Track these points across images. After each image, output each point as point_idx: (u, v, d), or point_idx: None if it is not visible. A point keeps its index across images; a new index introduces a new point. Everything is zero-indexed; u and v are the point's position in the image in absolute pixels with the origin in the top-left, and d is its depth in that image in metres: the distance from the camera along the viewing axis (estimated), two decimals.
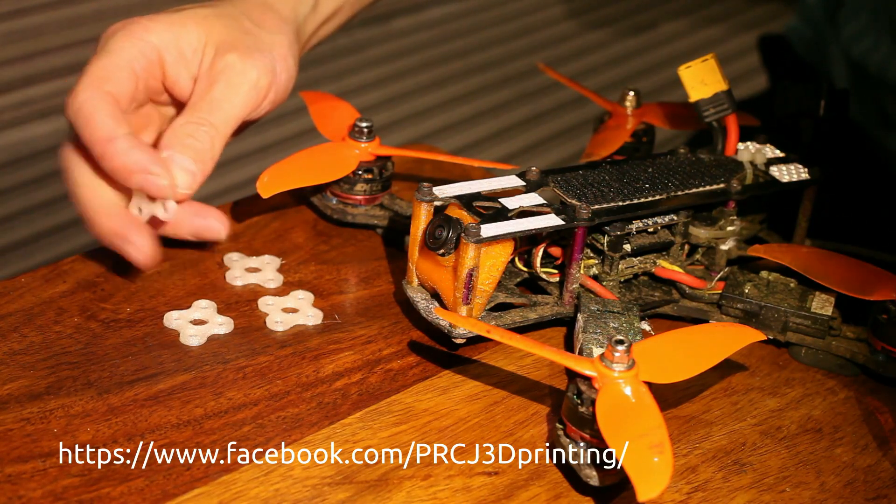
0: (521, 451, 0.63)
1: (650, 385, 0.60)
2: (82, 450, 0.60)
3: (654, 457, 0.56)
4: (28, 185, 1.76)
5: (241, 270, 0.74)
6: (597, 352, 0.65)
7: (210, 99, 0.72)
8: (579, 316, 0.69)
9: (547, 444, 0.64)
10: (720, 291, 0.72)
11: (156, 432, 0.61)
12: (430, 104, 2.16)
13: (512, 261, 0.72)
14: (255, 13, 0.77)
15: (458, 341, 0.68)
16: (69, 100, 0.69)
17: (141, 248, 0.68)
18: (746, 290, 0.72)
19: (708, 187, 0.73)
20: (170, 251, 0.74)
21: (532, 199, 0.70)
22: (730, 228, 0.74)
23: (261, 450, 0.61)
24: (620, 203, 0.71)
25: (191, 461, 0.60)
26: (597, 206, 0.70)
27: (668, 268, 0.73)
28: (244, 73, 0.73)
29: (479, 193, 0.70)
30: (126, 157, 0.67)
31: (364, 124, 0.77)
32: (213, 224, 0.71)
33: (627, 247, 0.72)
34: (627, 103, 0.82)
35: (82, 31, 2.06)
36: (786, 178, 0.75)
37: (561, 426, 0.61)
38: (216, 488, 0.59)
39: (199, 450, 0.61)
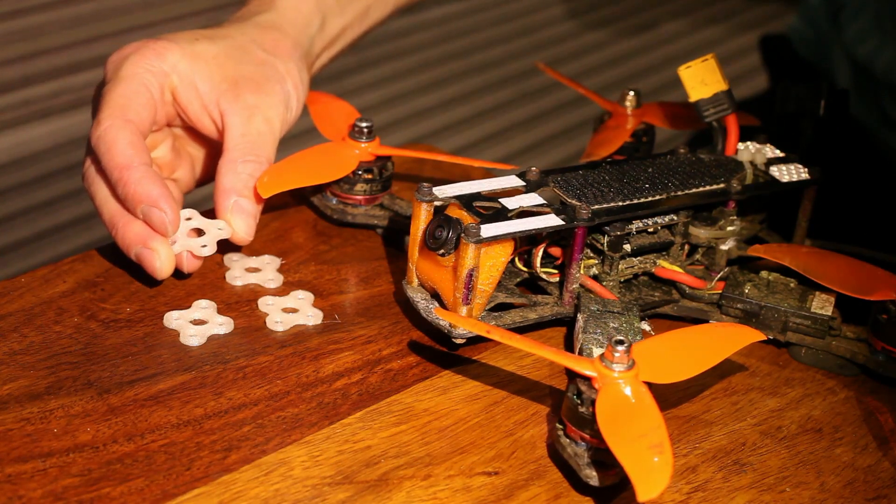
0: (521, 451, 0.63)
1: (650, 385, 0.60)
2: (82, 450, 0.60)
3: (653, 457, 0.56)
4: (28, 185, 1.76)
5: (240, 270, 0.74)
6: (597, 352, 0.65)
7: (258, 132, 0.73)
8: (579, 316, 0.69)
9: (547, 444, 0.64)
10: (720, 291, 0.72)
11: (156, 432, 0.61)
12: (430, 104, 2.16)
13: (512, 261, 0.72)
14: (267, 40, 0.77)
15: (458, 341, 0.68)
16: (93, 128, 0.71)
17: (161, 257, 0.69)
18: (746, 290, 0.72)
19: (708, 187, 0.73)
20: None
21: (532, 199, 0.70)
22: (730, 228, 0.74)
23: (261, 450, 0.61)
24: (620, 203, 0.71)
25: (191, 461, 0.60)
26: (597, 206, 0.70)
27: (668, 268, 0.73)
28: (274, 107, 0.75)
29: (479, 193, 0.70)
30: (138, 185, 0.69)
31: (364, 124, 0.77)
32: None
33: (627, 247, 0.72)
34: (627, 103, 0.82)
35: (82, 31, 2.06)
36: (786, 178, 0.75)
37: (561, 426, 0.61)
38: (216, 488, 0.59)
39: (199, 450, 0.61)
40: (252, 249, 0.76)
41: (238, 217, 0.72)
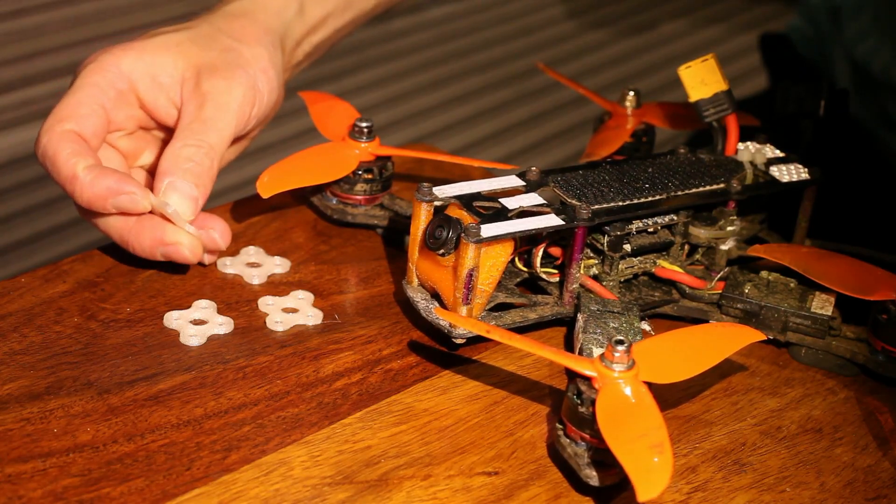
0: (521, 451, 0.63)
1: (650, 385, 0.60)
2: (82, 450, 0.60)
3: (653, 457, 0.56)
4: (28, 185, 1.76)
5: (240, 266, 0.74)
6: (597, 352, 0.65)
7: (203, 119, 0.72)
8: (579, 316, 0.69)
9: (547, 444, 0.64)
10: (720, 291, 0.72)
11: (156, 432, 0.61)
12: (430, 104, 2.16)
13: (512, 261, 0.72)
14: (234, 27, 0.76)
15: (458, 341, 0.68)
16: (35, 145, 0.71)
17: (190, 246, 0.70)
18: (746, 290, 0.72)
19: (708, 187, 0.73)
20: None
21: (532, 199, 0.70)
22: (730, 228, 0.74)
23: (261, 450, 0.61)
24: (620, 203, 0.71)
25: (191, 461, 0.60)
26: (597, 206, 0.70)
27: (668, 268, 0.73)
28: (230, 92, 0.73)
29: (479, 193, 0.70)
30: (94, 187, 0.68)
31: (364, 124, 0.77)
32: (214, 235, 0.72)
33: (627, 247, 0.72)
34: (627, 103, 0.82)
35: (82, 31, 2.06)
36: (786, 178, 0.75)
37: (561, 426, 0.61)
38: (216, 488, 0.59)
39: (199, 450, 0.61)
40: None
41: (172, 196, 0.70)
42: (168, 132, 0.76)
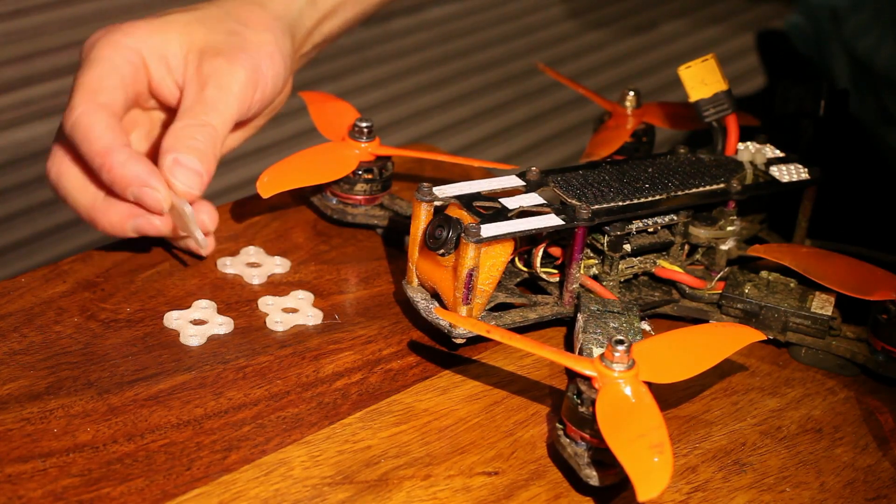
0: (521, 451, 0.63)
1: (650, 385, 0.60)
2: (82, 450, 0.60)
3: (654, 457, 0.56)
4: (28, 185, 1.76)
5: (241, 266, 0.74)
6: (597, 352, 0.65)
7: (204, 101, 0.72)
8: (579, 316, 0.69)
9: (547, 444, 0.64)
10: (720, 291, 0.72)
11: (156, 432, 0.61)
12: (430, 104, 2.16)
13: (512, 261, 0.72)
14: (242, 12, 0.76)
15: (458, 341, 0.68)
16: (66, 115, 0.70)
17: (199, 239, 0.70)
18: (746, 290, 0.72)
19: (708, 187, 0.73)
20: (170, 251, 0.74)
21: (532, 199, 0.70)
22: (730, 228, 0.74)
23: (261, 450, 0.61)
24: (620, 203, 0.71)
25: (191, 461, 0.60)
26: (597, 206, 0.70)
27: (668, 268, 0.73)
28: (232, 73, 0.73)
29: (479, 193, 0.70)
30: (124, 168, 0.68)
31: (364, 124, 0.77)
32: (203, 219, 0.72)
33: (627, 247, 0.72)
34: (627, 103, 0.82)
35: (82, 31, 2.05)
36: (786, 178, 0.75)
37: (561, 426, 0.61)
38: (216, 488, 0.59)
39: (200, 450, 0.61)
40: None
41: (178, 171, 0.70)
42: (166, 111, 0.76)
